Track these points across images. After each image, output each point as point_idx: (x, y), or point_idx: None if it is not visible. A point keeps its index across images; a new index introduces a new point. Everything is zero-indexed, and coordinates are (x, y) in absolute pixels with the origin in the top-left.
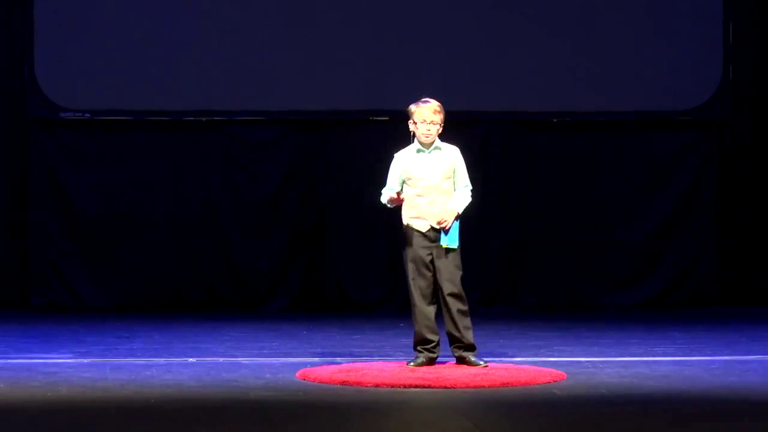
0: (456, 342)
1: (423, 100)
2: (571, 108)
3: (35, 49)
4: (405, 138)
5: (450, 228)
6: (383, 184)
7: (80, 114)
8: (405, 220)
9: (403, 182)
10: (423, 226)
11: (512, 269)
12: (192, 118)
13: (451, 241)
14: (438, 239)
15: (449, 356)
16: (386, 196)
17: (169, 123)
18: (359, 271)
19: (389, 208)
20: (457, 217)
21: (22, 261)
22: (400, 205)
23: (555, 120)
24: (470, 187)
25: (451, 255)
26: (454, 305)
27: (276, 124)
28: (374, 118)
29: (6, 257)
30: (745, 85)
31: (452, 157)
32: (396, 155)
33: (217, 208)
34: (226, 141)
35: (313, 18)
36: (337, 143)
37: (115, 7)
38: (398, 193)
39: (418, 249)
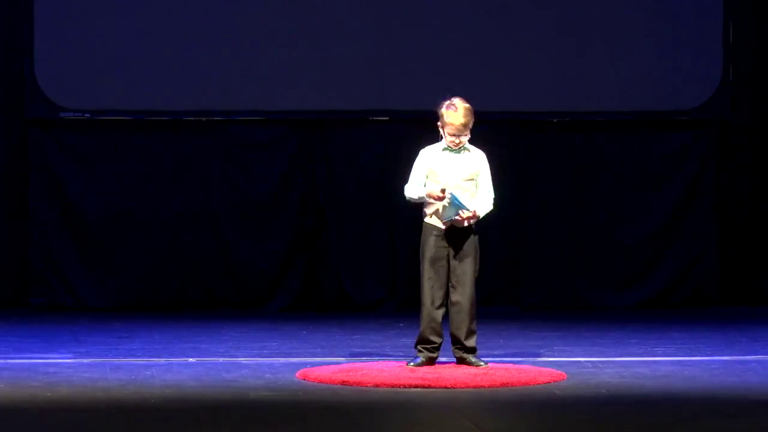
0: (458, 344)
1: (453, 106)
2: (571, 108)
3: (35, 49)
4: (405, 138)
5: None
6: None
7: (80, 114)
8: (426, 218)
9: (426, 177)
10: (442, 224)
11: (512, 269)
12: (192, 118)
13: (450, 212)
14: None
15: (450, 356)
16: (415, 190)
17: (169, 123)
18: (359, 271)
19: (413, 203)
20: (474, 217)
21: (22, 261)
22: (422, 204)
23: (555, 120)
24: (492, 195)
25: (468, 257)
26: (463, 308)
27: (276, 124)
28: (374, 118)
29: (6, 257)
30: (745, 85)
31: (478, 161)
32: (422, 152)
33: (217, 209)
34: (226, 141)
35: (314, 18)
36: (337, 143)
37: (115, 7)
38: (443, 190)
39: (436, 248)
